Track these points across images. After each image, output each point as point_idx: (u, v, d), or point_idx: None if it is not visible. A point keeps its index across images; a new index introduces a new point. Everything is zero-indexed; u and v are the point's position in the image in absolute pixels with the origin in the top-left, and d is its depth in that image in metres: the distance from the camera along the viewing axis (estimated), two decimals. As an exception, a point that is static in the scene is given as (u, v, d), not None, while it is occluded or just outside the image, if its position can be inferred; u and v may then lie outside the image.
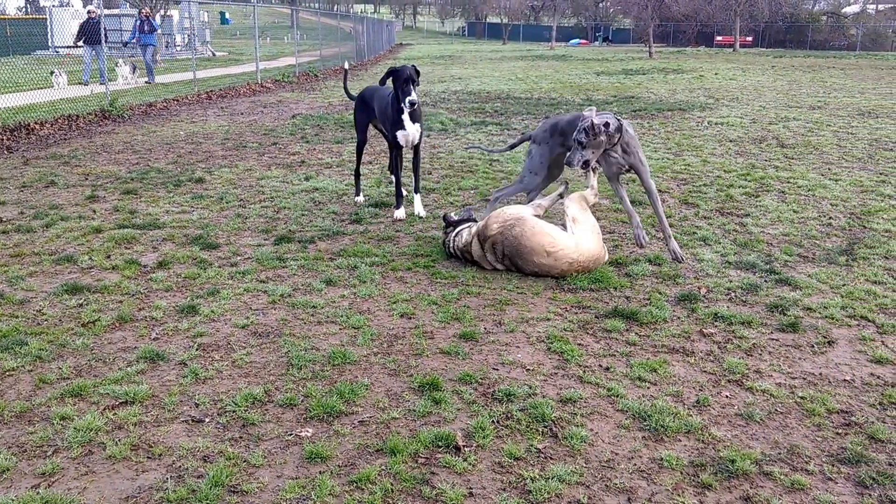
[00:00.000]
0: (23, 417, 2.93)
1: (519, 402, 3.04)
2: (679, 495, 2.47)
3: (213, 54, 32.01)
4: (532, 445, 2.75)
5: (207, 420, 2.92)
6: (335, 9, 67.44)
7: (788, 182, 7.17)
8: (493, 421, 2.90)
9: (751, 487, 2.52)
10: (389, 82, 5.68)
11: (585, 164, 4.57)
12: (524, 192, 5.33)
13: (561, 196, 4.92)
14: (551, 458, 2.67)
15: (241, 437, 2.80)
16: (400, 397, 3.09)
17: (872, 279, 4.50)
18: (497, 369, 3.35)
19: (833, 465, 2.64)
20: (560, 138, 5.05)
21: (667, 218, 5.39)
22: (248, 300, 4.19)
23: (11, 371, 3.31)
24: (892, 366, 3.40)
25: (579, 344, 3.62)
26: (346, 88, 7.13)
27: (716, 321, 3.90)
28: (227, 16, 67.72)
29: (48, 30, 25.46)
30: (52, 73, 16.04)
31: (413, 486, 2.50)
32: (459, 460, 2.64)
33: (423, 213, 5.99)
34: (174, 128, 11.16)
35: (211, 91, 15.96)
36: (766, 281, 4.48)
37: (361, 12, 65.07)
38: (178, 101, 14.45)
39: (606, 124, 4.45)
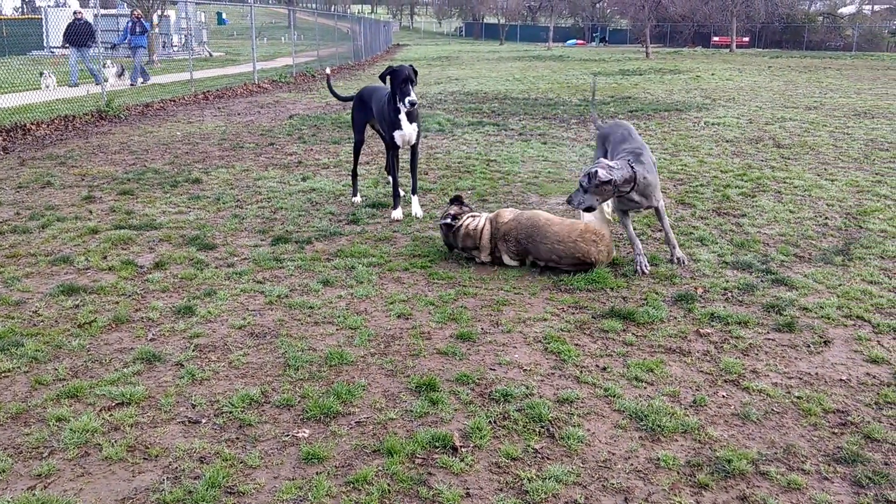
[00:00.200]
0: (19, 419, 2.92)
1: (516, 403, 3.04)
2: (676, 495, 2.47)
3: (210, 55, 31.97)
4: (529, 446, 2.75)
5: (204, 421, 2.91)
6: (332, 9, 67.41)
7: (785, 182, 7.18)
8: (490, 421, 2.90)
9: (747, 487, 2.52)
10: (387, 82, 5.69)
11: (588, 209, 4.57)
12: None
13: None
14: (548, 459, 2.68)
15: (237, 438, 2.79)
16: (397, 398, 3.09)
17: (868, 279, 4.51)
18: (494, 370, 3.35)
19: (829, 465, 2.65)
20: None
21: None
22: (244, 301, 4.18)
23: (7, 372, 3.30)
24: (887, 365, 3.41)
25: (576, 344, 3.62)
26: (331, 90, 7.17)
27: (712, 321, 3.91)
28: (224, 16, 67.61)
29: (44, 30, 25.38)
30: (40, 74, 15.73)
31: (410, 487, 2.50)
32: (456, 461, 2.64)
33: (420, 214, 5.99)
34: (171, 128, 11.14)
35: (208, 91, 15.94)
36: (762, 281, 4.49)
37: (359, 13, 65.04)
38: (174, 101, 14.43)
39: (611, 181, 4.39)
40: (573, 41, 65.35)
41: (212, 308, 4.05)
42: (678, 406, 3.03)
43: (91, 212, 6.14)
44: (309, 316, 3.97)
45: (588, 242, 4.52)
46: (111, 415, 2.94)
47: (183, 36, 30.85)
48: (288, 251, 5.08)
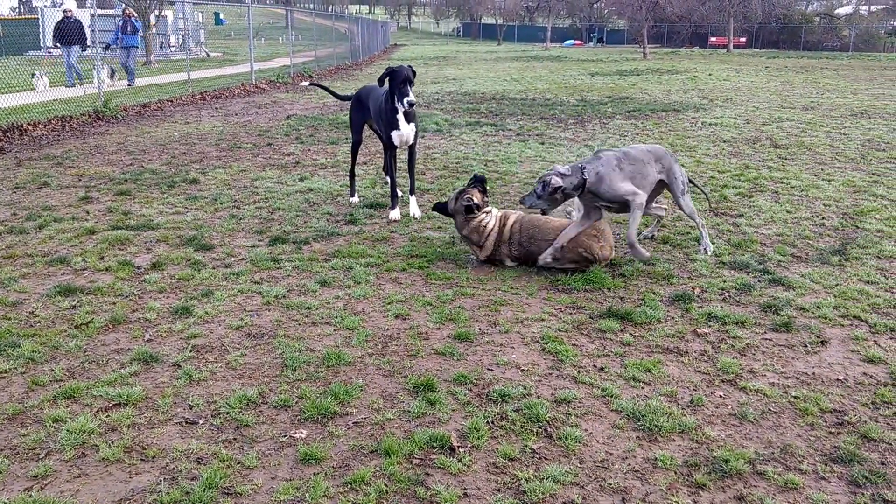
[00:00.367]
0: (15, 420, 2.92)
1: (513, 403, 3.04)
2: (673, 495, 2.48)
3: (208, 55, 31.93)
4: (527, 446, 2.75)
5: (201, 422, 2.91)
6: (330, 9, 67.40)
7: (782, 182, 7.19)
8: (487, 421, 2.90)
9: (744, 487, 2.52)
10: (384, 82, 5.68)
11: (542, 213, 4.80)
12: None
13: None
14: (546, 459, 2.68)
15: (235, 439, 2.79)
16: (394, 398, 3.09)
17: (865, 279, 4.52)
18: (492, 370, 3.35)
19: (826, 465, 2.65)
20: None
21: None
22: (242, 301, 4.18)
23: (4, 373, 3.29)
24: (884, 365, 3.41)
25: (574, 344, 3.63)
26: (328, 90, 7.18)
27: (709, 321, 3.92)
28: (222, 16, 67.56)
29: (41, 30, 25.33)
30: (32, 75, 15.41)
31: (408, 488, 2.50)
32: (454, 461, 2.64)
33: (418, 214, 5.99)
34: (168, 129, 11.13)
35: (205, 92, 15.92)
36: (759, 281, 4.50)
37: (356, 13, 65.04)
38: (172, 101, 14.41)
39: (560, 188, 4.49)
40: (571, 41, 65.41)
41: (209, 309, 4.04)
42: (675, 406, 3.04)
43: (88, 212, 6.13)
44: (306, 316, 3.97)
45: (590, 237, 4.55)
46: (108, 416, 2.94)
47: (180, 36, 30.81)
48: (285, 252, 5.07)
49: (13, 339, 3.61)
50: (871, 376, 3.31)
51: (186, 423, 2.90)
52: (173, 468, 2.61)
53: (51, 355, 3.48)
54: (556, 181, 4.49)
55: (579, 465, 2.64)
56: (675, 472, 2.60)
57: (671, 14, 49.94)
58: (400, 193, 6.14)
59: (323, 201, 6.53)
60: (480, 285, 4.44)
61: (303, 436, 2.81)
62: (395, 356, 3.48)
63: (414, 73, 5.65)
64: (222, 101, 15.27)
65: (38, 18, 26.33)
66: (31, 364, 3.39)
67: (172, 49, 31.82)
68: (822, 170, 7.82)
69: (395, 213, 5.92)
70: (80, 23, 16.85)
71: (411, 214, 5.98)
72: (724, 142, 9.66)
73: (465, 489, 2.51)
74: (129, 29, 18.17)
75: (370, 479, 2.54)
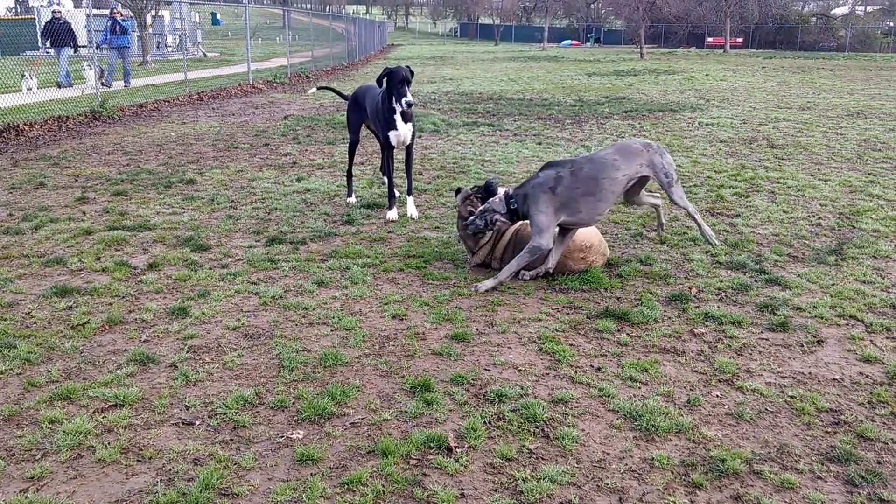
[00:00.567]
0: (11, 421, 2.91)
1: (511, 403, 3.04)
2: (670, 495, 2.48)
3: (205, 55, 31.89)
4: (524, 446, 2.75)
5: (198, 423, 2.90)
6: (327, 9, 67.34)
7: (778, 182, 7.21)
8: (484, 422, 2.90)
9: (741, 486, 2.53)
10: (382, 82, 5.68)
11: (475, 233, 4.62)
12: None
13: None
14: (543, 459, 2.68)
15: (231, 440, 2.79)
16: (392, 399, 3.09)
17: (861, 279, 4.53)
18: (489, 370, 3.35)
19: (822, 464, 2.66)
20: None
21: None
22: (239, 302, 4.17)
23: (0, 374, 3.28)
24: (880, 364, 3.42)
25: (571, 344, 3.63)
26: (332, 89, 7.15)
27: (706, 321, 3.92)
28: (219, 16, 67.49)
29: (37, 30, 25.27)
30: (21, 76, 14.88)
31: (405, 488, 2.50)
32: (451, 461, 2.64)
33: (415, 215, 5.98)
34: (165, 129, 11.11)
35: (202, 92, 15.90)
36: (756, 281, 4.51)
37: (353, 13, 65.00)
38: (168, 102, 14.39)
39: (495, 220, 4.46)
40: (568, 42, 65.47)
41: (206, 309, 4.04)
42: (672, 406, 3.04)
43: (84, 213, 6.12)
44: (303, 317, 3.96)
45: (577, 261, 4.54)
46: (104, 417, 2.93)
47: (177, 36, 30.75)
48: (282, 252, 5.07)
49: (9, 340, 3.61)
50: (867, 376, 3.32)
51: (183, 423, 2.90)
52: (170, 469, 2.60)
53: (47, 356, 3.47)
54: (497, 217, 4.44)
55: (576, 465, 2.64)
56: (672, 472, 2.60)
57: (668, 14, 50.02)
58: (397, 194, 6.14)
59: (320, 201, 6.52)
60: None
61: (300, 436, 2.81)
62: (392, 356, 3.48)
63: (412, 73, 5.65)
64: (219, 101, 15.25)
65: (34, 19, 26.29)
66: (28, 365, 3.38)
67: (169, 49, 31.78)
68: (818, 170, 7.84)
69: (392, 214, 5.92)
70: (69, 24, 16.72)
71: (409, 215, 5.97)
72: (721, 142, 9.67)
73: (462, 489, 2.51)
74: (117, 29, 17.76)
75: (367, 479, 2.54)
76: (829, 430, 2.88)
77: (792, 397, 3.12)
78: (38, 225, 5.70)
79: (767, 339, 3.71)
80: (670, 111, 13.09)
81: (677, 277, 4.57)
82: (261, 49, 35.91)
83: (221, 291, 4.32)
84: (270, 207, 6.30)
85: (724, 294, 4.31)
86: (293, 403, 3.04)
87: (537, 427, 2.87)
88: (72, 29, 16.71)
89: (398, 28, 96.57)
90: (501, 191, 4.56)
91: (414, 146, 6.14)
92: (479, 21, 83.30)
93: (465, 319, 3.92)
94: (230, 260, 4.91)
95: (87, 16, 14.65)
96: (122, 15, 18.58)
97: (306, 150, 9.25)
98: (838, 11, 59.15)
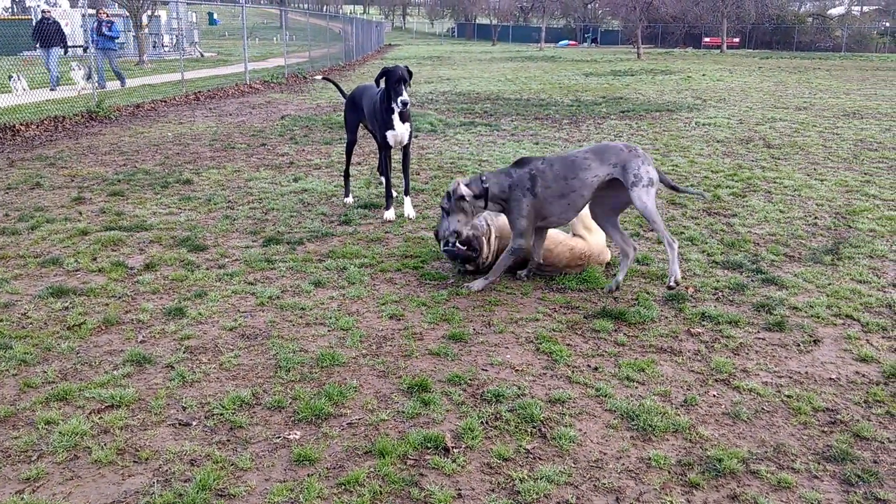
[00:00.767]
0: (7, 422, 2.90)
1: (508, 403, 3.04)
2: (667, 494, 2.48)
3: (202, 55, 31.85)
4: (521, 446, 2.75)
5: (195, 423, 2.90)
6: (324, 9, 67.31)
7: (775, 182, 7.22)
8: (482, 422, 2.90)
9: (738, 486, 2.53)
10: (380, 82, 5.68)
11: (459, 237, 4.39)
12: None
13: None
14: (540, 459, 2.68)
15: (228, 441, 2.78)
16: (389, 399, 3.09)
17: (857, 278, 4.54)
18: (486, 370, 3.35)
19: (819, 464, 2.66)
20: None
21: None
22: (235, 302, 4.17)
23: (-4, 375, 3.28)
24: (876, 364, 3.43)
25: (568, 344, 3.63)
26: (342, 92, 7.10)
27: (703, 321, 3.93)
28: (216, 16, 67.43)
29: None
30: (9, 77, 14.64)
31: (402, 488, 2.50)
32: (448, 461, 2.64)
33: (412, 215, 5.98)
34: (162, 129, 11.09)
35: (199, 92, 15.88)
36: (752, 280, 4.51)
37: (351, 13, 64.98)
38: (165, 102, 14.37)
39: (462, 196, 4.21)
40: (565, 42, 65.50)
41: (202, 310, 4.03)
42: (669, 406, 3.04)
43: (81, 213, 6.10)
44: (300, 317, 3.96)
45: (574, 268, 4.54)
46: (101, 417, 2.92)
47: (174, 36, 30.71)
48: (279, 252, 5.06)
49: (5, 341, 3.59)
50: (863, 375, 3.32)
51: (180, 424, 2.89)
52: (166, 470, 2.60)
53: (43, 357, 3.46)
54: (464, 191, 4.22)
55: (573, 465, 2.64)
56: (669, 472, 2.61)
57: (665, 14, 50.10)
58: (395, 194, 6.14)
59: (317, 202, 6.52)
60: (475, 285, 4.43)
61: (297, 437, 2.80)
62: (390, 357, 3.48)
63: (410, 73, 5.65)
64: (216, 101, 15.23)
65: (31, 19, 26.20)
66: (23, 366, 3.37)
67: (166, 49, 31.74)
68: (814, 170, 7.85)
69: (389, 214, 5.92)
70: (58, 24, 16.63)
71: (406, 215, 5.97)
72: (718, 142, 9.69)
73: (460, 490, 2.51)
74: (103, 30, 17.41)
75: (364, 479, 2.53)
76: (826, 429, 2.89)
77: (788, 397, 3.12)
78: (35, 225, 5.69)
79: (764, 339, 3.71)
80: (667, 111, 13.11)
81: (674, 277, 4.57)
82: (258, 49, 35.90)
83: (218, 292, 4.31)
84: (267, 207, 6.29)
85: (720, 294, 4.31)
86: (290, 404, 3.04)
87: (534, 427, 2.87)
88: (61, 29, 16.61)
89: (395, 28, 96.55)
90: (464, 188, 4.25)
91: (411, 146, 6.14)
92: (477, 21, 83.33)
93: (463, 319, 3.92)
94: (227, 260, 4.91)
95: (83, 16, 14.59)
96: (107, 15, 18.39)
97: (303, 150, 9.24)
98: (835, 12, 59.31)
